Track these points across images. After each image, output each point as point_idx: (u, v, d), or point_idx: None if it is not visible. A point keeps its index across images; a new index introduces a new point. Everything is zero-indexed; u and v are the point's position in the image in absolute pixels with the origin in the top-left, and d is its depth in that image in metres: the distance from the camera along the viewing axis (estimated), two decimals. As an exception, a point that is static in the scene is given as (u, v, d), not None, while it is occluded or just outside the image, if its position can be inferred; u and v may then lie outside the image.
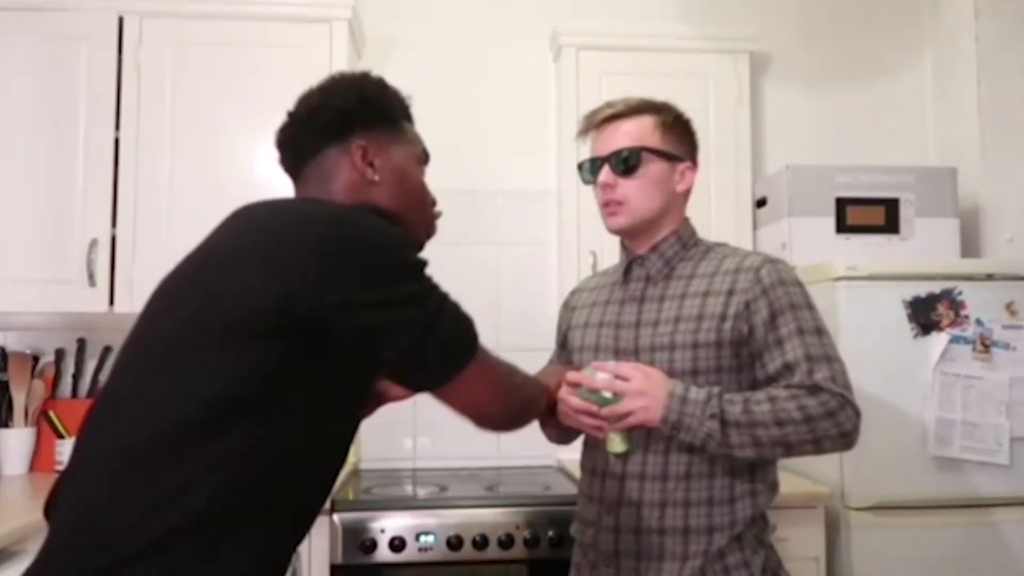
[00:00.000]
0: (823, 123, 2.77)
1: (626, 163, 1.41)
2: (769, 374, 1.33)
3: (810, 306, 1.36)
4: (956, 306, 2.02)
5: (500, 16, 2.70)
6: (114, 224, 2.22)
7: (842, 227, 2.35)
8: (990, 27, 2.49)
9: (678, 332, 1.36)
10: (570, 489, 1.98)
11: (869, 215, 2.35)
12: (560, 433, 1.51)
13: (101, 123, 2.23)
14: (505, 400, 1.14)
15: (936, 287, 2.03)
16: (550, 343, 2.64)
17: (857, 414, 1.30)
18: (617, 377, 1.31)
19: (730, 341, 1.34)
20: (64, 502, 0.95)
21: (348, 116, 1.11)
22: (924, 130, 2.80)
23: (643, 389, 1.29)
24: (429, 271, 1.01)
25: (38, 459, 2.35)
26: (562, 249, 2.44)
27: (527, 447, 2.28)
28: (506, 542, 1.91)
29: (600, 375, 1.32)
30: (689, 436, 1.28)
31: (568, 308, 1.63)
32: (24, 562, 1.69)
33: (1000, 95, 2.45)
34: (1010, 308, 2.04)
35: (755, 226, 2.53)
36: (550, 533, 1.89)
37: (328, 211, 1.00)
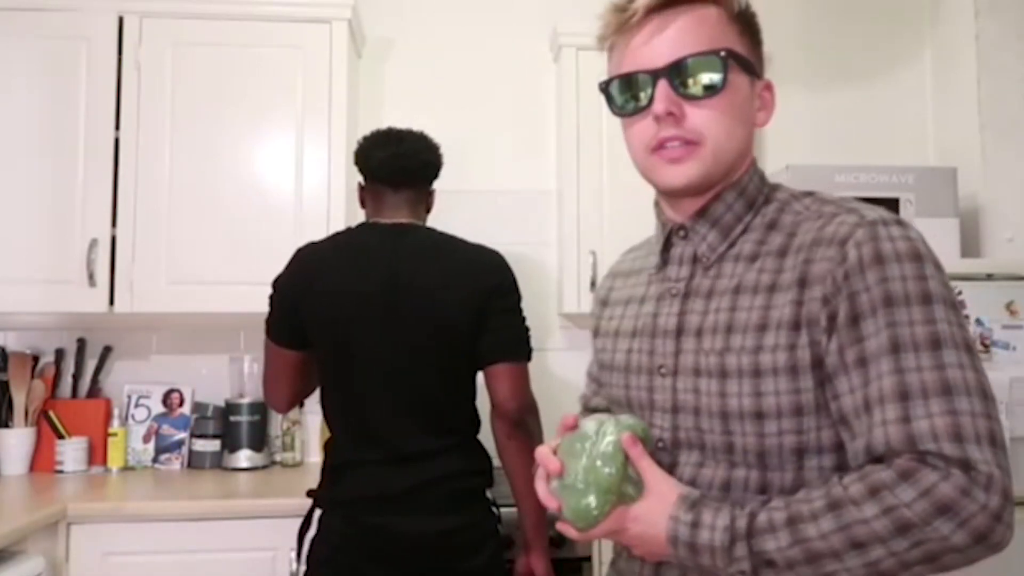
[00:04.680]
0: (823, 123, 2.77)
1: (704, 77, 0.87)
2: (844, 415, 0.83)
3: (926, 297, 0.81)
4: (956, 306, 2.02)
5: (500, 16, 2.70)
6: (114, 224, 2.22)
7: (842, 227, 2.35)
8: (990, 27, 2.49)
9: (730, 351, 0.87)
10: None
11: (869, 215, 2.35)
12: None
13: (101, 123, 2.23)
14: None
15: (936, 287, 2.03)
16: (550, 344, 2.65)
17: (999, 492, 0.74)
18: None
19: (811, 364, 0.84)
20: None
21: (439, 170, 1.79)
22: (924, 130, 2.80)
23: (635, 514, 0.86)
24: None
25: (38, 459, 2.35)
26: (562, 249, 2.44)
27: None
28: (506, 542, 1.90)
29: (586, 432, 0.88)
30: None
31: (600, 303, 1.13)
32: (24, 562, 1.70)
33: (1000, 95, 2.45)
34: (1010, 308, 2.04)
35: (755, 226, 2.53)
36: (550, 533, 1.88)
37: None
